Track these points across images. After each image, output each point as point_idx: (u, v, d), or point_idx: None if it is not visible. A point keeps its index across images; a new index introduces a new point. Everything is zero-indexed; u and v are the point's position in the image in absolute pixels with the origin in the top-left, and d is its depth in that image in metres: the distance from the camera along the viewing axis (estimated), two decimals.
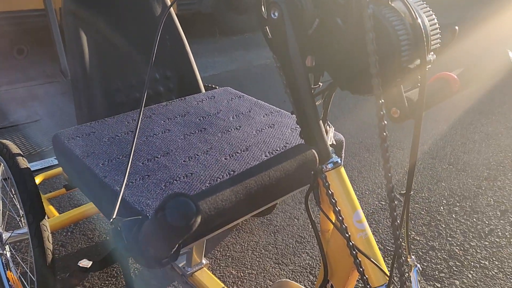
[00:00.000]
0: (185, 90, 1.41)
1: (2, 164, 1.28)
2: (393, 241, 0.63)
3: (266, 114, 1.20)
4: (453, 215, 1.86)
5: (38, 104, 2.96)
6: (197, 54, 4.27)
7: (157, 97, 1.36)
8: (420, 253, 1.65)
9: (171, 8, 1.38)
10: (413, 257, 0.80)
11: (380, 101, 0.58)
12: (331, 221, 0.75)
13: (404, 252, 1.42)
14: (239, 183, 0.50)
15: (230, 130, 1.11)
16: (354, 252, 0.70)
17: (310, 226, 1.77)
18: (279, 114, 1.21)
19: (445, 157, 2.34)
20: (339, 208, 0.71)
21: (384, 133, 0.59)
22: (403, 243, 1.59)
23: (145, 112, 1.21)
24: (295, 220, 1.83)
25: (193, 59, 1.44)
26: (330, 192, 0.71)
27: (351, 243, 0.70)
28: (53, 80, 3.38)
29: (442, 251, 1.65)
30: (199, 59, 4.13)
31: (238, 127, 1.12)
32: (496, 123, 2.75)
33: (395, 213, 0.62)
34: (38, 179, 1.59)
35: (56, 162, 2.15)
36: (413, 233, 1.76)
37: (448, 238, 1.72)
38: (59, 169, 1.64)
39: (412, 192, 0.68)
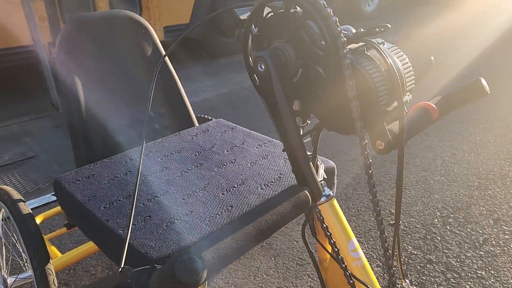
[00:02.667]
0: (179, 125, 1.45)
1: (2, 209, 1.31)
2: (390, 261, 0.67)
3: (259, 145, 1.25)
4: (448, 227, 1.90)
5: (32, 140, 2.98)
6: (187, 79, 4.32)
7: (152, 134, 1.40)
8: (418, 267, 1.68)
9: (157, 39, 1.43)
10: (407, 280, 0.84)
11: (364, 142, 0.62)
12: (327, 251, 0.79)
13: (399, 277, 1.45)
14: (239, 231, 0.55)
15: (225, 164, 1.15)
16: (352, 281, 0.73)
17: None
18: (271, 144, 1.25)
19: (436, 169, 2.39)
20: (334, 239, 0.75)
21: (370, 171, 0.64)
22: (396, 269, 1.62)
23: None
24: (295, 242, 1.86)
25: (185, 93, 1.49)
26: (324, 226, 0.75)
27: (348, 273, 0.73)
28: (45, 115, 3.41)
29: (440, 264, 1.69)
30: (189, 83, 4.18)
31: (233, 161, 1.17)
32: (483, 131, 2.82)
33: (386, 244, 0.66)
34: (38, 219, 1.60)
35: (54, 198, 2.17)
36: (410, 247, 1.79)
37: (444, 250, 1.76)
38: (58, 207, 1.66)
39: (400, 222, 0.72)
